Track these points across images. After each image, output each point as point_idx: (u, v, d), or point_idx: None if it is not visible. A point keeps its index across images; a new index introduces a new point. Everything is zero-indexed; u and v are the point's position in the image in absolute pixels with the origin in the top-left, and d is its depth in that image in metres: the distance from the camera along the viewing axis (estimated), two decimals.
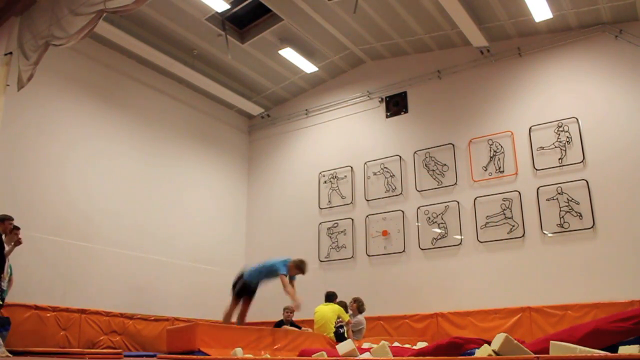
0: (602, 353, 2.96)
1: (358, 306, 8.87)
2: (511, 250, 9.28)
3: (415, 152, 10.74)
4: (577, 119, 9.22)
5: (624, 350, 3.00)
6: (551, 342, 3.17)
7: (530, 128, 9.62)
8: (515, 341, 3.25)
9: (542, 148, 9.43)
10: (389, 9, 9.85)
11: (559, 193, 9.07)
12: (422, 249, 10.15)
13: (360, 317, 8.87)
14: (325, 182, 11.79)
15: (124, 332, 9.14)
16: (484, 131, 10.10)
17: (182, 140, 11.57)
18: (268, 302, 11.10)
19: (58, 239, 8.71)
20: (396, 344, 7.16)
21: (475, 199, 9.84)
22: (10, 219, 6.87)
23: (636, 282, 7.95)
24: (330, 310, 8.29)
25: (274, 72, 11.92)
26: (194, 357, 6.06)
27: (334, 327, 8.17)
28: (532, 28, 9.81)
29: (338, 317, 8.26)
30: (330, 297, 8.61)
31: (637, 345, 3.01)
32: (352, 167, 11.49)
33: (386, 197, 10.87)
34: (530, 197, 9.32)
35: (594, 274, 8.43)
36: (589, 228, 8.69)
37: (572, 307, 8.36)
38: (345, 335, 8.13)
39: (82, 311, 8.61)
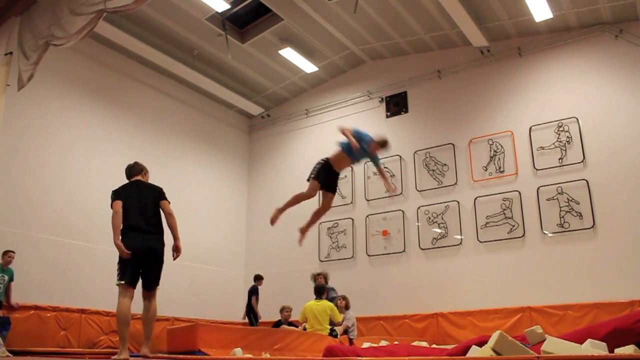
0: (603, 353, 2.96)
1: (346, 303, 8.43)
2: (511, 250, 9.27)
3: (415, 152, 10.73)
4: (577, 119, 9.22)
5: (622, 350, 2.99)
6: (547, 336, 3.16)
7: (530, 128, 9.61)
8: (511, 338, 3.25)
9: (542, 148, 9.42)
10: (389, 9, 9.85)
11: (559, 193, 9.07)
12: (422, 249, 10.15)
13: (351, 313, 8.41)
14: None
15: None
16: (484, 131, 10.10)
17: (182, 140, 11.57)
18: (268, 302, 11.14)
19: (58, 239, 8.71)
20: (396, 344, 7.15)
21: (476, 199, 9.84)
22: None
23: (636, 282, 7.94)
24: (322, 309, 7.69)
25: (274, 72, 11.92)
26: (194, 357, 6.06)
27: (328, 328, 7.65)
28: (532, 28, 9.81)
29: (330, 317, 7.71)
30: (320, 292, 7.97)
31: (632, 346, 3.00)
32: (352, 167, 11.47)
33: (386, 197, 10.84)
34: (530, 197, 9.32)
35: (594, 274, 8.42)
36: (589, 228, 8.69)
37: (572, 307, 8.36)
38: (339, 337, 7.63)
39: (82, 311, 8.61)
